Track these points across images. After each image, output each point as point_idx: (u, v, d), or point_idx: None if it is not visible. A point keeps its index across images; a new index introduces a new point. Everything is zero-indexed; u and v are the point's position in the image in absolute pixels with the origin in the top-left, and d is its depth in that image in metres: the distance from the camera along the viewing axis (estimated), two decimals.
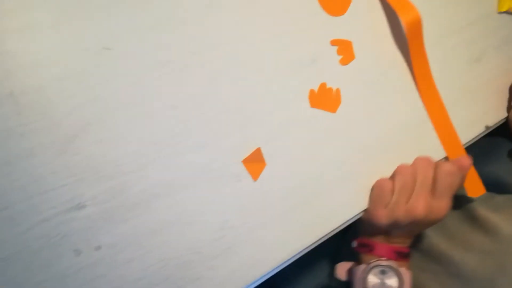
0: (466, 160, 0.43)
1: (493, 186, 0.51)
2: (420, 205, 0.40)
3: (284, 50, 0.40)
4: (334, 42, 0.42)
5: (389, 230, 0.43)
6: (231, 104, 0.38)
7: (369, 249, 0.43)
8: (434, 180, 0.41)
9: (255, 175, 0.38)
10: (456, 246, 0.47)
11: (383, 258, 0.42)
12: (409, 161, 0.43)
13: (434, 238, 0.50)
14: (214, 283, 0.36)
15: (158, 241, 0.35)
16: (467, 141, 0.48)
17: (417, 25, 0.42)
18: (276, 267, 0.39)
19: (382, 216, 0.41)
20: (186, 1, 0.36)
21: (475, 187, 0.48)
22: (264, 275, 0.38)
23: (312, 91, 0.41)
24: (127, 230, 0.34)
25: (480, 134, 0.50)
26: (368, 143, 0.43)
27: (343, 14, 0.42)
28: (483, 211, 0.48)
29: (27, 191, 0.32)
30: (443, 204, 0.41)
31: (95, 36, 0.34)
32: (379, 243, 0.43)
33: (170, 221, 0.35)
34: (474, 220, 0.48)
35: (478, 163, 0.47)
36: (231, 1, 0.38)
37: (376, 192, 0.42)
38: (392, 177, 0.42)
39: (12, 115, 0.32)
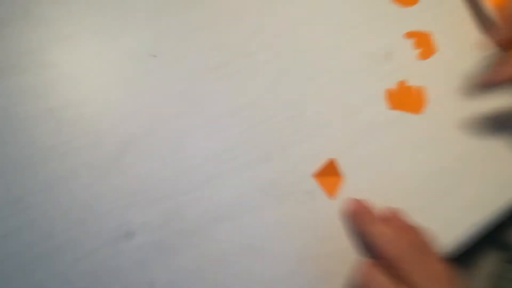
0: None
1: None
2: None
3: (354, 47, 0.35)
4: (409, 35, 0.36)
5: None
6: (296, 109, 0.32)
7: None
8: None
9: (330, 191, 0.31)
10: None
11: None
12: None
13: None
14: None
15: (221, 277, 0.29)
16: None
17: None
18: None
19: None
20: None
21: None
22: None
23: (389, 91, 0.34)
24: (183, 263, 0.28)
25: None
26: (464, 157, 0.35)
27: (415, 3, 0.37)
28: None
29: (71, 219, 0.27)
30: None
31: (141, 44, 0.30)
32: None
33: (234, 252, 0.29)
34: None
35: None
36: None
37: None
38: None
39: (53, 133, 0.28)
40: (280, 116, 0.32)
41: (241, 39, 0.32)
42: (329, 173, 0.32)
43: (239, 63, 0.32)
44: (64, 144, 0.28)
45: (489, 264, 0.51)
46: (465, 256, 0.46)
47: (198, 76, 0.31)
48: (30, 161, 0.27)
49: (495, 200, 0.34)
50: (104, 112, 0.29)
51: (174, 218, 0.29)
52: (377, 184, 0.32)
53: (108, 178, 0.28)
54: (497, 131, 0.36)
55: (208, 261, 0.29)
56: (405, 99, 0.35)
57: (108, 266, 0.27)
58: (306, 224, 0.30)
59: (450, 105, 0.36)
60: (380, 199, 0.32)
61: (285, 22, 0.34)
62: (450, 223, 0.33)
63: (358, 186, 0.32)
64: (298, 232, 0.30)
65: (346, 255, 0.30)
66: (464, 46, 0.37)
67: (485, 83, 0.35)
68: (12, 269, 0.26)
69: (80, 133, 0.28)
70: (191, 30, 0.32)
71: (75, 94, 0.29)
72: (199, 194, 0.29)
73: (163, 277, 0.28)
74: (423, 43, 0.36)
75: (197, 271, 0.28)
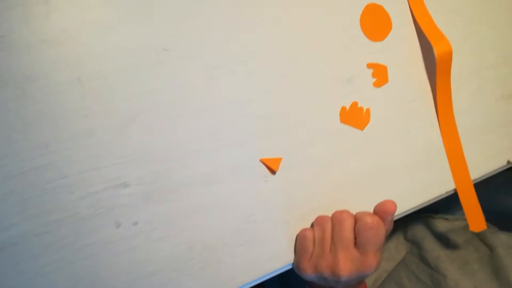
0: (390, 205, 0.41)
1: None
2: (340, 265, 0.37)
3: (323, 67, 0.43)
4: (370, 65, 0.45)
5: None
6: (269, 110, 0.41)
7: None
8: (356, 234, 0.39)
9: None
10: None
11: None
12: (417, 189, 0.47)
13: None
14: (233, 269, 0.40)
15: (189, 225, 0.39)
16: (487, 172, 0.50)
17: (447, 56, 0.45)
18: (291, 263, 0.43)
19: (307, 269, 0.40)
20: (239, 13, 0.40)
21: (476, 222, 0.47)
22: (281, 268, 0.42)
23: (343, 108, 0.44)
24: (163, 211, 0.38)
25: (502, 167, 0.52)
26: (390, 165, 0.46)
27: (382, 40, 0.45)
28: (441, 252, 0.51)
29: (84, 165, 0.36)
30: (368, 259, 0.38)
31: (157, 37, 0.38)
32: None
33: (202, 208, 0.40)
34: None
35: (499, 194, 0.48)
36: (281, 17, 0.42)
37: (299, 241, 0.41)
38: (313, 227, 0.42)
39: (78, 98, 0.36)
40: (253, 113, 0.41)
41: (236, 47, 0.40)
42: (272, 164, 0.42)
43: (229, 68, 0.40)
44: (85, 109, 0.36)
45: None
46: None
47: (198, 72, 0.39)
48: (58, 118, 0.36)
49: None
50: (120, 88, 0.37)
51: (162, 177, 0.38)
52: (313, 178, 0.43)
53: (117, 140, 0.37)
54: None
55: (181, 212, 0.39)
56: (354, 117, 0.44)
57: (105, 205, 0.37)
58: (257, 197, 0.41)
59: (386, 127, 0.46)
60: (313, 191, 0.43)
61: (271, 37, 0.42)
62: None
63: (296, 178, 0.43)
64: (251, 202, 0.41)
65: (278, 227, 0.42)
66: (409, 83, 0.47)
67: None
68: (30, 196, 0.35)
69: (99, 102, 0.37)
70: (199, 32, 0.39)
71: (98, 69, 0.37)
72: (184, 163, 0.39)
73: (146, 218, 0.38)
74: (380, 74, 0.45)
75: (171, 218, 0.39)
